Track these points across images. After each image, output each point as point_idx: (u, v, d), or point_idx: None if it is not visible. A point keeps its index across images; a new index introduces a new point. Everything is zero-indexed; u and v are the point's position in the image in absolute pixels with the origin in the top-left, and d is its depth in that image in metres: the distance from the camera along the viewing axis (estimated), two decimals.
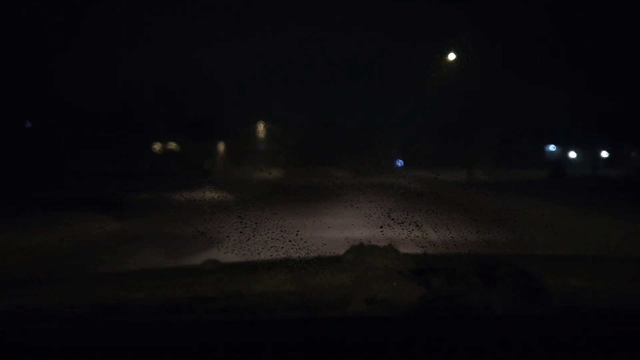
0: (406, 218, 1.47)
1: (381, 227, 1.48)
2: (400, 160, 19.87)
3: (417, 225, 1.46)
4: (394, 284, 0.85)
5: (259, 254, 1.20)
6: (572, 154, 22.15)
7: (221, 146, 21.94)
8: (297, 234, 1.26)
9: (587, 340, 0.67)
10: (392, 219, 1.45)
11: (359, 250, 0.99)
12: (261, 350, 0.65)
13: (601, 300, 0.86)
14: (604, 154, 21.60)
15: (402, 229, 1.43)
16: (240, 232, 1.30)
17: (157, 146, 19.27)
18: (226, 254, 1.34)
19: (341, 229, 2.56)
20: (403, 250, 1.05)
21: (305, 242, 1.22)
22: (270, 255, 1.14)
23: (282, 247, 1.14)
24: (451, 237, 1.41)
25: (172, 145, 20.54)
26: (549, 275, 0.93)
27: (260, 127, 22.76)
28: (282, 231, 1.25)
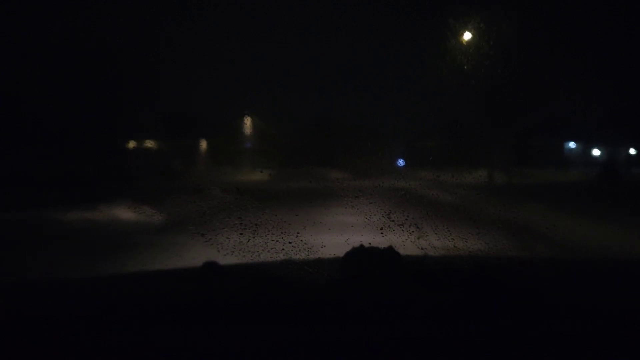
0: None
1: (381, 229, 1.57)
2: (401, 160, 20.12)
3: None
4: (394, 286, 0.98)
5: None
6: (596, 152, 22.30)
7: (203, 144, 21.98)
8: None
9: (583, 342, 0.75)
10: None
11: (359, 252, 1.09)
12: (259, 353, 0.73)
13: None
14: (632, 151, 21.68)
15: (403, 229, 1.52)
16: None
17: (131, 144, 19.23)
18: None
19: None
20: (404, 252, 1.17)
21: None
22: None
23: None
24: None
25: (150, 143, 20.51)
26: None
27: (248, 123, 22.85)
28: None
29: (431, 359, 0.72)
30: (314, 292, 0.98)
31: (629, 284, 1.09)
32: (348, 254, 1.10)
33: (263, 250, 1.42)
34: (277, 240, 1.45)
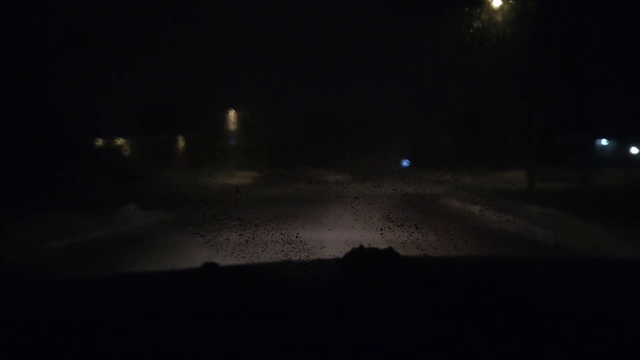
0: None
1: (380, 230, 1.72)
2: (407, 160, 20.24)
3: None
4: (394, 286, 1.09)
5: None
6: (634, 150, 22.32)
7: (180, 142, 22.07)
8: None
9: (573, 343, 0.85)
10: None
11: (359, 252, 1.23)
12: (259, 354, 0.82)
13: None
14: None
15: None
16: None
17: (99, 142, 19.29)
18: None
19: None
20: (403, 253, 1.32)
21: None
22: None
23: None
24: None
25: (119, 141, 20.56)
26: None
27: (233, 117, 22.91)
28: None
29: (431, 359, 0.81)
30: (313, 293, 1.10)
31: (630, 285, 1.23)
32: (348, 255, 1.24)
33: (263, 250, 1.64)
34: (277, 241, 1.65)
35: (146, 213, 6.48)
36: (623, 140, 21.57)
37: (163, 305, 1.05)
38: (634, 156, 22.14)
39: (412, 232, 1.68)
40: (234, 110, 23.11)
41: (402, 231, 1.67)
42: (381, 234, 1.66)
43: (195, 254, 2.51)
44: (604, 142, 21.69)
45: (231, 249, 1.61)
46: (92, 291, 1.24)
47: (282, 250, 1.54)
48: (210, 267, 1.23)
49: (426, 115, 24.43)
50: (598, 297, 1.08)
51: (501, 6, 12.48)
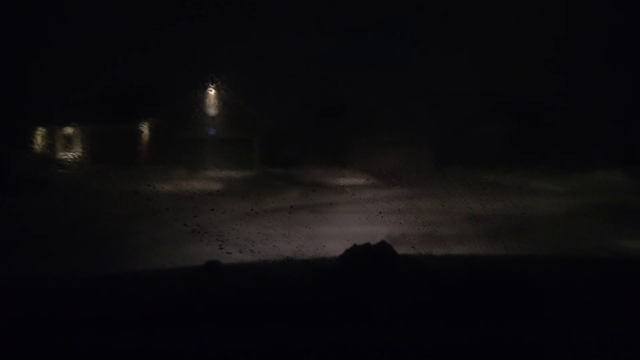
0: None
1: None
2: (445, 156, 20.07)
3: None
4: (394, 286, 1.33)
5: None
6: None
7: (145, 131, 22.02)
8: None
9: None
10: None
11: (359, 251, 1.54)
12: (261, 353, 0.99)
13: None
14: None
15: None
16: None
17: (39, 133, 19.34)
18: None
19: None
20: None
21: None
22: None
23: None
24: None
25: (68, 130, 20.58)
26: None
27: (212, 99, 22.57)
28: None
29: (431, 359, 1.02)
30: (314, 292, 1.34)
31: (631, 284, 1.48)
32: (347, 253, 1.54)
33: (266, 249, 2.03)
34: (280, 241, 2.10)
35: None
36: None
37: (165, 304, 1.29)
38: None
39: None
40: (214, 89, 22.88)
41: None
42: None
43: (198, 252, 2.80)
44: None
45: (234, 247, 2.05)
46: (92, 290, 1.55)
47: (285, 248, 1.99)
48: (212, 265, 1.55)
49: (466, 98, 24.18)
50: (600, 296, 1.28)
51: None
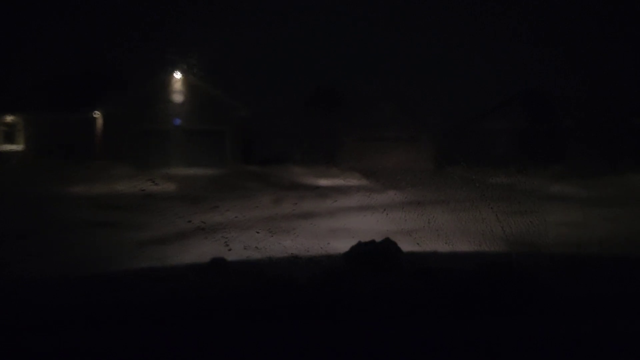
0: None
1: None
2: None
3: None
4: (395, 282, 1.52)
5: None
6: None
7: (99, 122, 21.67)
8: None
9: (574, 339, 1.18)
10: None
11: (363, 249, 1.76)
12: (264, 350, 1.12)
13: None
14: None
15: None
16: None
17: None
18: None
19: None
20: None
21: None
22: None
23: None
24: None
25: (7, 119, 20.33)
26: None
27: (178, 85, 22.12)
28: None
29: (435, 358, 1.15)
30: (318, 290, 1.51)
31: (633, 281, 1.70)
32: (352, 251, 1.78)
33: (271, 247, 2.12)
34: (285, 239, 2.23)
35: None
36: None
37: (170, 301, 1.45)
38: None
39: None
40: (180, 74, 22.58)
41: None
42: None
43: (203, 250, 3.00)
44: None
45: (239, 245, 2.18)
46: (96, 288, 1.73)
47: (290, 246, 2.02)
48: (217, 262, 1.78)
49: (471, 94, 24.52)
50: (602, 294, 1.45)
51: None
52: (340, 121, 21.16)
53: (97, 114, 21.61)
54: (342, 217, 8.06)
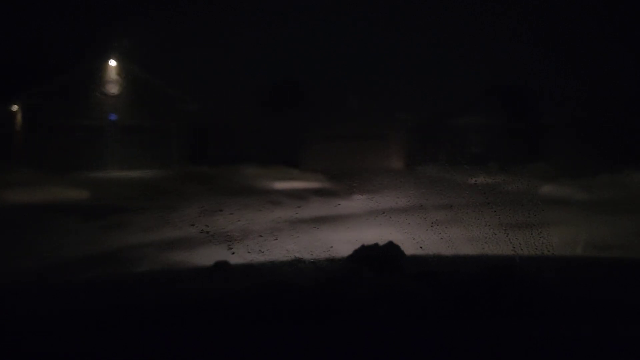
0: None
1: None
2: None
3: None
4: (398, 285, 1.65)
5: None
6: None
7: (18, 116, 21.05)
8: None
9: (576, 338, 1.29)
10: None
11: (365, 251, 1.93)
12: (267, 353, 1.23)
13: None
14: None
15: None
16: None
17: None
18: None
19: None
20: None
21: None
22: None
23: None
24: None
25: None
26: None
27: (114, 74, 21.61)
28: None
29: (439, 359, 1.26)
30: (321, 292, 1.62)
31: (634, 285, 1.86)
32: (354, 254, 1.94)
33: (274, 249, 2.28)
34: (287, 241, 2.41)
35: None
36: None
37: (173, 304, 1.58)
38: None
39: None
40: (115, 62, 22.14)
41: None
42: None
43: (206, 252, 3.18)
44: None
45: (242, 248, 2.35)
46: (100, 290, 1.91)
47: (293, 249, 2.14)
48: (221, 265, 1.90)
49: (442, 89, 25.12)
50: (603, 297, 1.58)
51: None
52: (303, 117, 21.17)
53: (15, 107, 21.10)
54: (287, 235, 6.40)
